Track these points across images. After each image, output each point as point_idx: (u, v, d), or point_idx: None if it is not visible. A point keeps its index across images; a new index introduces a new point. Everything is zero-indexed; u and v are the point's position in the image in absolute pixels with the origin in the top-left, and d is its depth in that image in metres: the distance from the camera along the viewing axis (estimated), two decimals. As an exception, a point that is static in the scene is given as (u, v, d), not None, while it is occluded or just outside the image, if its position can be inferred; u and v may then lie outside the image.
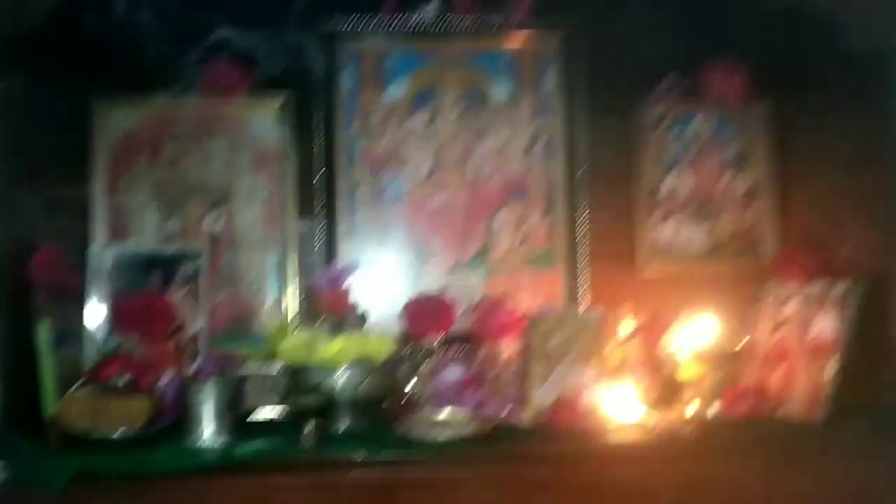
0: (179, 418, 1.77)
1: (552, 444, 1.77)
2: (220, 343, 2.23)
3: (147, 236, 2.28)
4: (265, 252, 2.31)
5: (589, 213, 2.40)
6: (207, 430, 1.74)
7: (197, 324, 2.19)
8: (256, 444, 1.73)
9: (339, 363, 1.87)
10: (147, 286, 2.20)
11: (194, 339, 2.18)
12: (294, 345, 1.88)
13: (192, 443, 1.73)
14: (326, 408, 1.76)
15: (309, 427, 1.74)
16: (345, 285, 2.03)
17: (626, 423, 1.91)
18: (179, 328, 2.18)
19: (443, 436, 1.76)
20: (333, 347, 1.87)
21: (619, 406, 1.97)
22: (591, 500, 1.71)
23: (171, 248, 2.25)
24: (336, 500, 1.67)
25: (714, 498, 1.73)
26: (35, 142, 1.90)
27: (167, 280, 2.21)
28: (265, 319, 2.28)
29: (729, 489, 1.73)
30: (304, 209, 2.33)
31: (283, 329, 2.09)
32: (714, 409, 1.93)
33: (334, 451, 1.71)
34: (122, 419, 1.73)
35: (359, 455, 1.70)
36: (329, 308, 1.98)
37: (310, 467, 1.68)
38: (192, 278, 2.22)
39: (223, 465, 1.66)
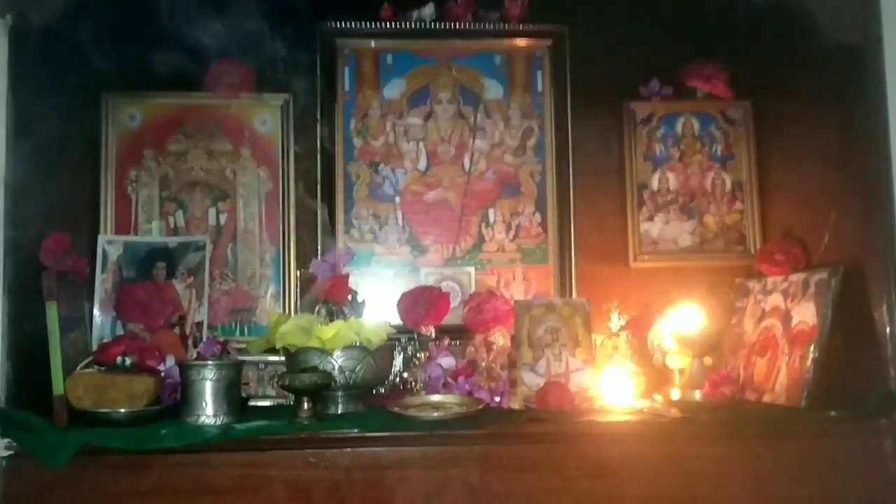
0: (181, 398, 1.83)
1: (541, 425, 1.83)
2: (221, 333, 2.31)
3: (152, 228, 2.35)
4: (266, 244, 2.38)
5: (579, 208, 2.47)
6: (208, 410, 1.80)
7: (199, 313, 2.26)
8: (254, 423, 1.79)
9: (336, 347, 1.94)
10: (151, 276, 2.27)
11: (197, 327, 2.25)
12: (292, 328, 1.95)
13: (193, 421, 1.79)
14: (322, 389, 1.83)
15: (305, 406, 1.80)
16: (341, 271, 2.09)
17: (613, 407, 1.97)
18: (182, 317, 2.25)
19: (433, 415, 1.83)
20: (330, 331, 1.94)
21: (607, 391, 2.03)
22: (578, 478, 1.76)
23: (175, 240, 2.33)
24: (331, 476, 1.72)
25: (699, 477, 1.77)
26: (48, 132, 1.97)
27: (171, 270, 2.29)
28: (265, 310, 2.34)
29: (713, 469, 1.78)
30: (304, 203, 2.40)
31: (282, 319, 2.15)
32: (698, 394, 1.98)
33: (329, 429, 1.77)
34: (126, 398, 1.79)
35: (352, 432, 1.75)
36: (326, 293, 2.05)
37: (305, 444, 1.74)
38: (196, 269, 2.29)
39: (222, 441, 1.72)
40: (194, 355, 2.13)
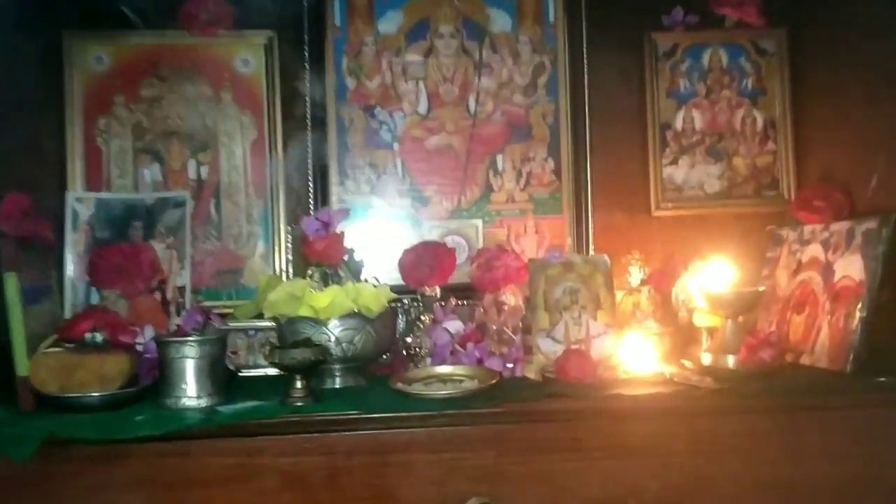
0: (160, 379, 1.65)
1: (559, 400, 1.64)
2: (206, 297, 2.13)
3: (126, 183, 2.14)
4: (253, 199, 2.18)
5: (596, 152, 2.26)
6: (190, 391, 1.62)
7: (182, 276, 2.07)
8: (242, 405, 1.62)
9: (331, 316, 1.75)
10: (127, 236, 2.07)
11: (179, 292, 2.07)
12: (281, 296, 1.75)
13: (174, 404, 1.61)
14: (317, 364, 1.64)
15: (298, 385, 1.62)
16: (336, 230, 1.89)
17: (638, 376, 1.79)
18: (163, 281, 2.06)
19: (441, 392, 1.64)
20: (324, 299, 1.75)
21: (630, 357, 1.85)
22: (601, 458, 1.59)
23: (152, 196, 2.12)
24: (328, 463, 1.55)
25: (733, 454, 1.61)
26: (3, 79, 1.74)
27: (149, 230, 2.08)
28: (254, 271, 2.15)
29: (749, 445, 1.61)
30: (293, 152, 2.19)
31: (273, 282, 1.96)
32: (732, 360, 1.80)
33: (325, 410, 1.59)
34: (96, 379, 1.60)
35: (351, 414, 1.58)
36: (319, 255, 1.85)
37: (299, 428, 1.56)
38: (176, 228, 2.09)
39: (206, 427, 1.54)
40: (176, 323, 1.93)
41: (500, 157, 2.25)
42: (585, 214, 2.24)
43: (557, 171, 2.25)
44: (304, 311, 1.74)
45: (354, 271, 1.97)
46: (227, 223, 2.17)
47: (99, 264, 1.98)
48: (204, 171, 2.17)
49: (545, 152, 2.25)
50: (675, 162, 2.29)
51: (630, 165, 2.28)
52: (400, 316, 2.10)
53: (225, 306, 2.11)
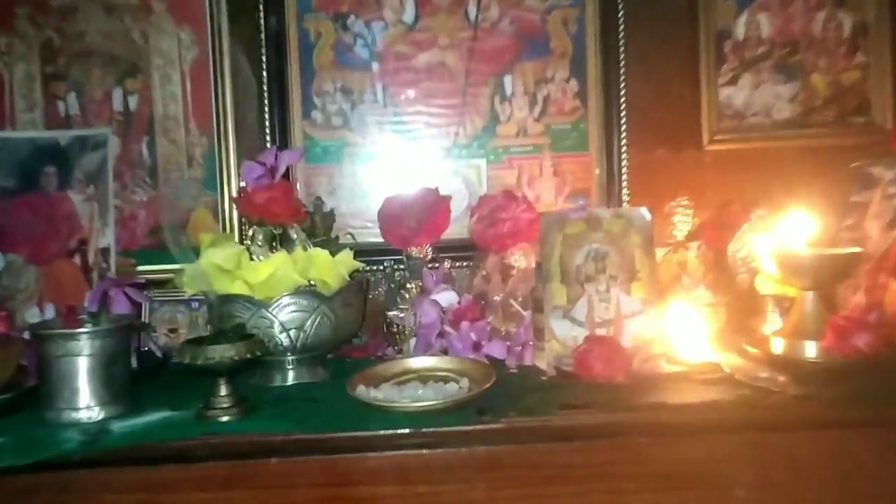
0: (39, 383, 1.24)
1: (580, 414, 1.20)
2: (141, 261, 1.73)
3: (35, 118, 1.73)
4: (196, 136, 1.75)
5: (632, 70, 1.79)
6: (78, 400, 1.21)
7: (105, 235, 1.66)
8: (147, 418, 1.20)
9: (273, 295, 1.31)
10: (39, 185, 1.67)
11: (103, 255, 1.65)
12: (206, 265, 1.32)
13: (55, 418, 1.20)
14: (246, 363, 1.21)
15: (222, 391, 1.20)
16: (281, 177, 1.44)
17: (685, 370, 1.35)
18: (83, 242, 1.66)
19: (416, 404, 1.20)
20: (262, 271, 1.31)
21: (675, 343, 1.41)
22: (634, 492, 1.17)
23: (67, 134, 1.70)
24: (261, 500, 1.14)
25: (820, 487, 1.17)
26: None
27: (64, 177, 1.68)
28: (197, 228, 1.72)
29: (841, 472, 1.17)
30: (245, 76, 1.76)
31: (220, 241, 1.52)
32: (814, 348, 1.35)
33: (254, 429, 1.17)
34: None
35: (292, 434, 1.15)
36: (260, 211, 1.40)
37: (220, 452, 1.15)
38: (98, 174, 1.67)
39: (94, 453, 1.13)
40: (88, 302, 1.51)
41: (508, 79, 1.79)
42: (618, 151, 1.79)
43: (582, 96, 1.80)
44: (237, 289, 1.31)
45: (324, 227, 1.55)
46: (164, 167, 1.76)
47: (2, 222, 1.62)
48: (132, 101, 1.76)
49: (567, 71, 1.79)
50: (734, 81, 1.83)
51: (676, 86, 1.84)
52: (382, 284, 1.68)
53: (164, 272, 1.68)
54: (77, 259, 1.64)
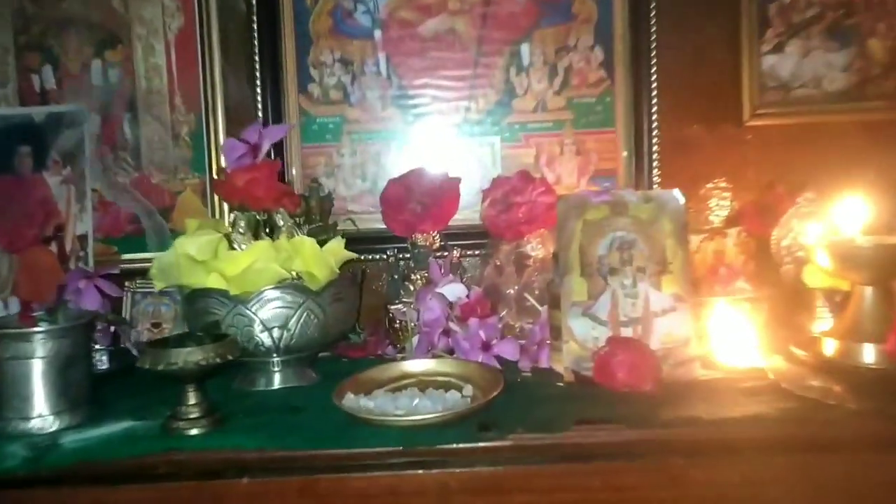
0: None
1: (600, 431, 1.04)
2: (122, 249, 1.60)
3: (6, 93, 1.60)
4: (181, 112, 1.60)
5: (664, 36, 1.61)
6: (30, 408, 1.08)
7: (83, 221, 1.52)
8: (105, 430, 1.06)
9: (251, 288, 1.16)
10: (12, 166, 1.55)
11: (80, 242, 1.51)
12: (177, 258, 1.17)
13: (1, 430, 1.07)
14: (223, 365, 1.06)
15: (191, 399, 1.05)
16: (263, 157, 1.29)
17: (724, 374, 1.18)
18: (60, 228, 1.53)
19: (410, 417, 1.05)
20: (241, 262, 1.16)
21: (712, 345, 1.24)
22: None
23: (42, 111, 1.57)
24: (230, 526, 1.00)
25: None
26: None
27: (39, 157, 1.55)
28: (183, 213, 1.57)
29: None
30: (235, 47, 1.60)
31: (207, 227, 1.38)
32: (873, 352, 1.17)
33: (224, 445, 1.02)
34: None
35: (267, 451, 1.00)
36: (241, 195, 1.25)
37: (186, 471, 1.01)
38: (75, 154, 1.54)
39: (40, 471, 0.99)
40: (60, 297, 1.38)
41: (525, 47, 1.61)
42: (648, 127, 1.62)
43: (609, 66, 1.62)
44: (212, 282, 1.16)
45: (321, 212, 1.40)
46: (147, 146, 1.61)
47: (-30, 207, 1.49)
48: (113, 74, 1.62)
49: (591, 38, 1.61)
50: (779, 48, 1.64)
51: (713, 54, 1.66)
52: (386, 276, 1.53)
53: (149, 262, 1.54)
54: (54, 247, 1.52)
